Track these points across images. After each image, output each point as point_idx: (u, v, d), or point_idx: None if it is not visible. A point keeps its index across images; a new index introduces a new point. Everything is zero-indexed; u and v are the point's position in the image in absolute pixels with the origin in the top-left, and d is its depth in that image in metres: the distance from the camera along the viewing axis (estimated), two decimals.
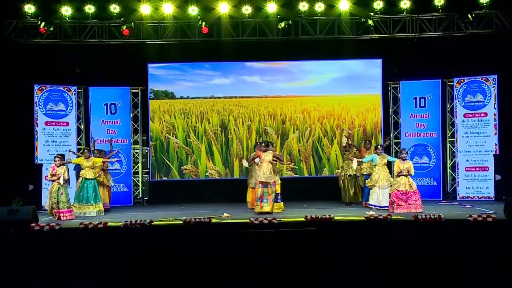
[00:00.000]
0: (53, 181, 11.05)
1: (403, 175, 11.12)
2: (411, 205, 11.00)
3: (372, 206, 11.74)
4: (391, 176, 12.03)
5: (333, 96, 14.74)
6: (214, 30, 13.60)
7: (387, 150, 13.17)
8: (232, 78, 14.74)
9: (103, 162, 12.29)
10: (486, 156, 13.58)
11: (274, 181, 11.28)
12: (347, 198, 12.79)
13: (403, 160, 11.33)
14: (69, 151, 12.42)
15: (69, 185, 11.69)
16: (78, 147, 13.93)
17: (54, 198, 10.96)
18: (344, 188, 12.85)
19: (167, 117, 14.56)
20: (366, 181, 12.19)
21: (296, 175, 14.54)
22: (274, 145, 12.44)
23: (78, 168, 12.08)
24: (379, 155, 11.93)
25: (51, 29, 13.01)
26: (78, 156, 12.13)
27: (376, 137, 14.48)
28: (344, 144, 13.10)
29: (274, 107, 14.70)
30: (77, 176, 12.05)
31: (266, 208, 11.04)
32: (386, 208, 11.41)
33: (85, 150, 12.16)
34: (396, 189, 11.10)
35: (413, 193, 11.10)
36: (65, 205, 10.98)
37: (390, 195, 11.36)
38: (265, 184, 11.15)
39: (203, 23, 13.11)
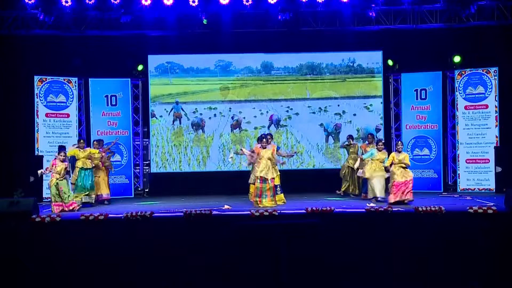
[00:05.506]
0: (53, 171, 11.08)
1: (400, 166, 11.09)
2: (403, 194, 10.97)
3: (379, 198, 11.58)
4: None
5: (333, 88, 14.69)
6: (214, 21, 13.53)
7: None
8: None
9: (101, 157, 12.26)
10: (487, 148, 13.59)
11: (273, 178, 11.17)
12: (344, 188, 13.07)
13: (399, 152, 11.23)
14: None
15: (70, 177, 11.69)
16: (78, 138, 13.88)
17: (54, 191, 10.98)
18: (345, 178, 13.10)
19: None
20: (362, 171, 12.05)
21: (297, 168, 14.54)
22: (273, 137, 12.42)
23: (73, 160, 11.96)
24: (380, 150, 11.76)
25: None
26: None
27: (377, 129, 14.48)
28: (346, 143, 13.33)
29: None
30: (73, 168, 11.92)
31: (266, 203, 10.95)
32: (382, 200, 11.36)
33: (81, 141, 12.12)
34: (395, 180, 11.06)
35: (409, 181, 11.05)
36: (69, 198, 10.99)
37: (390, 187, 11.32)
38: (263, 180, 11.05)
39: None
